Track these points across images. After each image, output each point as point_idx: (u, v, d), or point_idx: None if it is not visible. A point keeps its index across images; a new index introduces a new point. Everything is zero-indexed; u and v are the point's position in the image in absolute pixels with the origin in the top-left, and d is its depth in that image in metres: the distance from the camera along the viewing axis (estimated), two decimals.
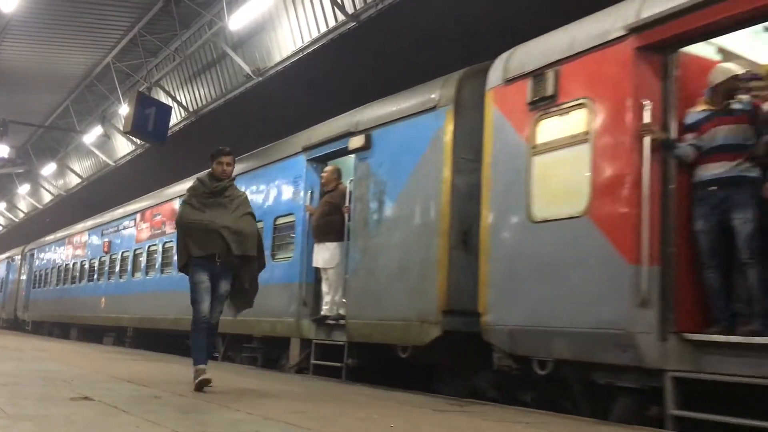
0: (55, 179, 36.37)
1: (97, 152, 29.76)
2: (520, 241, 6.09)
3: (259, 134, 13.69)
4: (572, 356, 5.46)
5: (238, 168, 9.27)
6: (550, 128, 5.95)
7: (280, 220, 10.07)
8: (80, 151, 32.41)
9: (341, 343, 8.19)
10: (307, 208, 9.18)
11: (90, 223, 20.34)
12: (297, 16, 16.88)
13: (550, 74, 5.97)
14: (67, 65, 23.03)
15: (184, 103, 23.12)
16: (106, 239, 17.98)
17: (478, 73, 7.07)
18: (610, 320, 5.16)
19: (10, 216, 46.46)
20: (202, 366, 5.95)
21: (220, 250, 6.06)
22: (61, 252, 22.44)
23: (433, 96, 7.42)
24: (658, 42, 5.23)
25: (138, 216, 16.15)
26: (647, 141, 5.10)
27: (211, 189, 6.32)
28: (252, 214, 6.49)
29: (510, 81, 6.41)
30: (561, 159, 5.82)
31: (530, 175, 6.01)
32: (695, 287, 5.08)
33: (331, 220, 8.56)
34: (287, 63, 17.64)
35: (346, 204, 8.51)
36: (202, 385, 5.78)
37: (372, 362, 7.99)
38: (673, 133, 5.25)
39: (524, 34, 6.72)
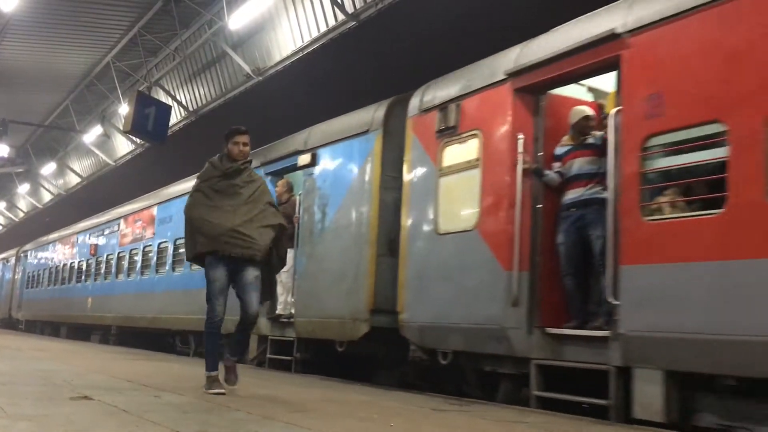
0: (54, 179, 36.38)
1: (96, 152, 29.77)
2: (429, 250, 7.17)
3: (259, 134, 13.65)
4: (465, 348, 6.60)
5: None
6: (453, 154, 7.05)
7: None
8: (80, 150, 32.42)
9: (291, 339, 9.18)
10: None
11: (78, 226, 21.16)
12: (297, 15, 16.88)
13: (452, 107, 7.06)
14: (66, 65, 23.04)
15: (183, 102, 23.12)
16: (93, 242, 19.00)
17: (403, 101, 8.01)
18: (490, 317, 6.28)
19: (10, 215, 46.48)
20: (214, 373, 5.55)
21: (230, 250, 5.57)
22: (51, 254, 23.37)
23: (366, 121, 8.45)
24: (530, 85, 6.33)
25: (122, 221, 17.09)
26: (520, 168, 6.16)
27: (224, 171, 5.72)
28: (273, 204, 5.93)
29: (424, 111, 7.50)
30: (459, 181, 6.93)
31: (437, 194, 7.14)
32: (557, 290, 6.12)
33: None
34: (287, 62, 17.65)
35: (296, 215, 9.38)
36: (212, 387, 5.53)
37: (318, 355, 9.01)
38: (543, 162, 6.29)
39: (524, 33, 6.74)
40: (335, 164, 8.90)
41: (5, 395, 4.77)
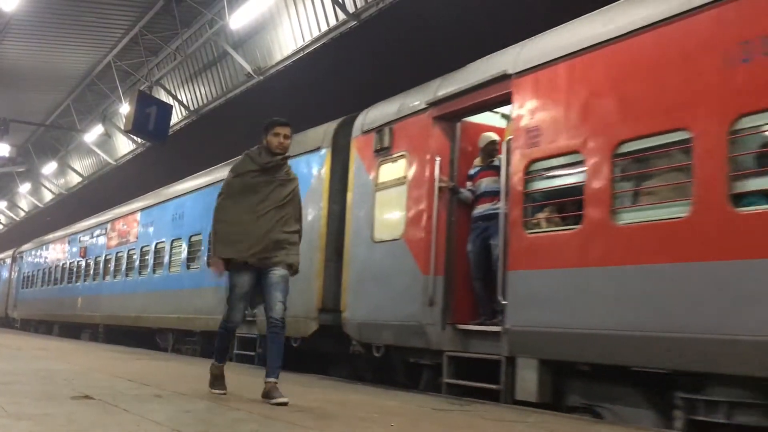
0: (56, 178, 36.41)
1: (97, 151, 29.79)
2: (366, 256, 8.19)
3: (260, 133, 13.67)
4: (394, 342, 7.65)
5: (188, 186, 13.56)
6: (386, 171, 8.09)
7: (194, 238, 12.92)
8: (81, 149, 32.44)
9: (254, 336, 10.17)
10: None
11: (70, 229, 22.25)
12: (298, 14, 16.89)
13: (387, 130, 8.11)
14: (68, 64, 23.06)
15: (184, 102, 23.13)
16: (83, 245, 20.06)
17: (350, 122, 9.05)
18: (412, 315, 7.33)
19: (11, 215, 46.52)
20: (220, 364, 5.49)
21: (259, 265, 5.22)
22: (45, 255, 24.42)
23: (318, 138, 9.47)
24: (447, 113, 7.40)
25: (109, 225, 18.29)
26: (437, 186, 7.23)
27: (262, 165, 5.29)
28: (300, 207, 5.54)
29: (365, 132, 8.54)
30: (391, 195, 7.98)
31: (374, 206, 8.16)
32: (468, 291, 7.18)
33: None
34: (288, 62, 17.66)
35: None
36: (214, 387, 5.45)
37: (291, 351, 9.60)
38: (458, 181, 7.39)
39: (526, 32, 6.75)
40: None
41: (6, 394, 4.78)
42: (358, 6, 14.89)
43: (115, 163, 29.60)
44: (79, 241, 20.55)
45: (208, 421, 4.11)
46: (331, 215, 9.04)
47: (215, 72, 21.30)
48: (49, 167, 33.15)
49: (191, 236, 13.07)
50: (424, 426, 4.54)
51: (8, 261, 30.04)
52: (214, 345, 5.70)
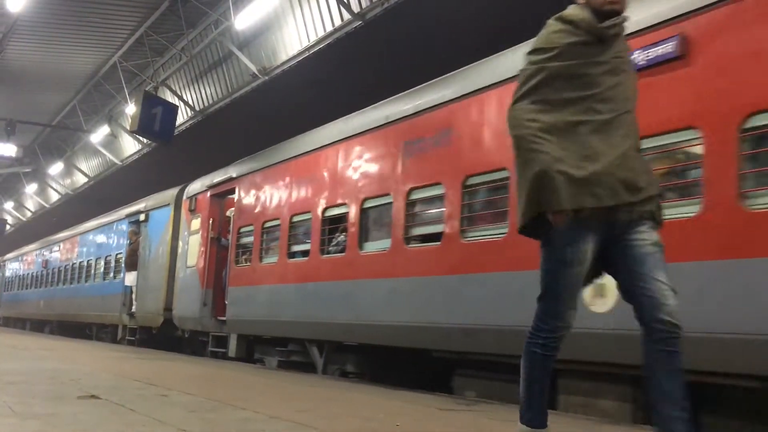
0: (62, 178, 36.50)
1: (103, 151, 29.87)
2: (183, 275, 13.21)
3: (265, 134, 13.71)
4: (192, 328, 12.76)
5: (104, 221, 19.93)
6: (193, 224, 13.00)
7: (116, 256, 17.68)
8: (87, 150, 32.52)
9: (135, 326, 15.59)
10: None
11: (39, 244, 27.36)
12: (303, 15, 16.89)
13: (194, 199, 13.14)
14: (73, 65, 23.12)
15: (190, 102, 23.17)
16: (44, 258, 25.35)
17: (184, 189, 13.89)
18: (197, 311, 12.24)
19: (18, 215, 46.66)
20: (537, 429, 3.10)
21: (620, 198, 2.91)
22: (21, 264, 29.96)
23: (169, 197, 14.52)
24: (216, 193, 12.38)
25: (62, 243, 23.51)
26: (209, 236, 12.23)
27: (598, 31, 2.98)
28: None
29: (186, 198, 13.51)
30: (194, 239, 12.87)
31: (188, 245, 13.13)
32: (222, 298, 11.76)
33: (133, 259, 15.76)
34: (293, 62, 17.66)
35: (140, 250, 15.50)
36: None
37: (152, 337, 14.83)
38: (221, 233, 12.29)
39: (529, 32, 6.71)
40: (155, 222, 15.05)
41: (13, 394, 4.79)
42: (363, 6, 14.88)
43: (121, 163, 29.67)
44: (43, 255, 25.67)
45: (214, 421, 4.12)
46: (172, 248, 13.92)
47: (220, 72, 21.32)
48: (56, 168, 33.25)
49: (106, 256, 18.42)
50: (429, 426, 4.53)
51: None
52: (520, 384, 3.16)
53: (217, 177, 12.25)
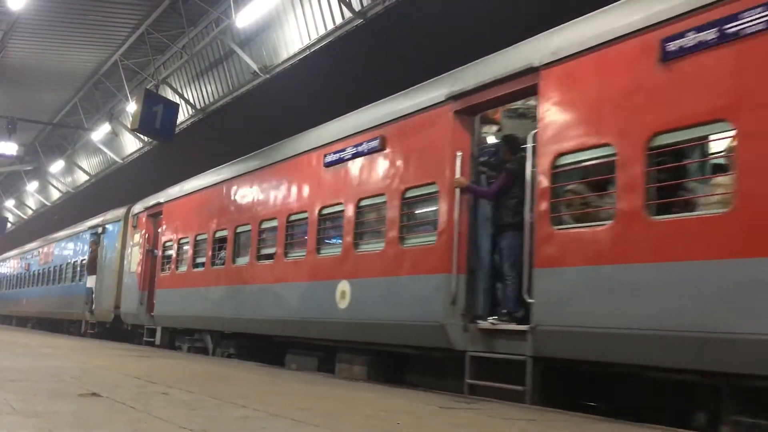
0: (63, 176, 36.51)
1: (104, 149, 29.88)
2: (127, 279, 16.01)
3: (266, 132, 13.70)
4: (133, 322, 15.82)
5: (70, 232, 23.41)
6: (136, 238, 15.89)
7: (81, 262, 20.47)
8: (88, 148, 32.53)
9: (95, 321, 18.39)
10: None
11: (23, 249, 30.60)
12: (304, 13, 16.88)
13: (136, 217, 15.97)
14: (75, 63, 23.12)
15: (191, 100, 23.16)
16: (27, 262, 28.76)
17: (131, 208, 16.89)
18: (135, 309, 15.28)
19: (19, 213, 46.68)
20: None
21: None
22: (7, 267, 33.83)
23: (121, 214, 17.35)
24: (151, 213, 15.34)
25: (40, 249, 26.87)
26: (145, 248, 15.15)
27: None
28: None
29: (132, 216, 16.35)
30: (135, 250, 15.73)
31: (132, 254, 15.96)
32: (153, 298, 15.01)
33: (93, 265, 18.55)
34: (294, 60, 17.66)
35: (98, 257, 18.44)
36: None
37: (106, 330, 17.84)
38: (157, 247, 14.96)
39: (532, 28, 6.72)
40: (110, 234, 18.09)
41: (15, 392, 4.80)
42: (364, 4, 14.88)
43: (122, 161, 29.69)
44: (25, 259, 29.12)
45: (215, 419, 4.12)
46: (121, 257, 16.77)
47: (221, 70, 21.32)
48: (57, 166, 33.26)
49: (74, 262, 21.30)
50: (430, 424, 4.53)
51: None
52: None
53: (151, 201, 15.35)
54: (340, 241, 8.69)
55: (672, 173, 5.22)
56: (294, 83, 17.39)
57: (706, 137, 5.05)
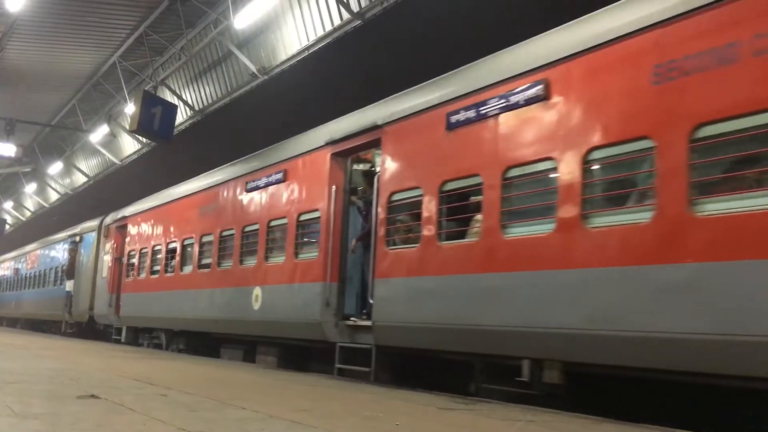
0: (61, 178, 36.47)
1: (103, 151, 29.85)
2: (99, 283, 18.28)
3: (264, 133, 13.69)
4: (106, 322, 17.93)
5: (55, 238, 25.61)
6: (107, 247, 18.10)
7: (62, 267, 22.41)
8: (86, 149, 32.49)
9: (73, 321, 20.40)
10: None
11: (12, 254, 32.68)
12: (302, 14, 16.88)
13: (108, 228, 18.17)
14: (73, 64, 23.10)
15: (189, 102, 23.15)
16: (16, 267, 30.80)
17: (104, 219, 18.90)
18: (106, 311, 17.37)
19: (17, 215, 46.63)
20: None
21: None
22: (2, 270, 35.60)
23: (95, 225, 19.26)
24: (118, 225, 17.57)
25: (27, 255, 28.91)
26: (115, 256, 17.34)
27: None
28: None
29: (105, 226, 18.53)
30: (107, 258, 17.87)
31: (104, 262, 18.04)
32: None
33: (72, 270, 20.58)
34: (293, 62, 17.65)
35: (76, 263, 20.21)
36: None
37: (82, 329, 20.05)
38: (125, 255, 17.54)
39: (531, 29, 6.74)
40: (86, 243, 19.95)
41: (14, 394, 4.79)
42: (363, 5, 14.87)
43: (120, 163, 29.66)
44: (16, 263, 30.98)
45: (213, 420, 4.12)
46: (99, 262, 18.45)
47: (220, 72, 21.30)
48: (55, 167, 33.23)
49: (56, 267, 23.41)
50: (429, 425, 4.54)
51: None
52: None
53: (119, 214, 17.49)
54: (256, 253, 10.71)
55: (456, 210, 7.07)
56: (293, 84, 17.38)
57: (473, 185, 6.79)
